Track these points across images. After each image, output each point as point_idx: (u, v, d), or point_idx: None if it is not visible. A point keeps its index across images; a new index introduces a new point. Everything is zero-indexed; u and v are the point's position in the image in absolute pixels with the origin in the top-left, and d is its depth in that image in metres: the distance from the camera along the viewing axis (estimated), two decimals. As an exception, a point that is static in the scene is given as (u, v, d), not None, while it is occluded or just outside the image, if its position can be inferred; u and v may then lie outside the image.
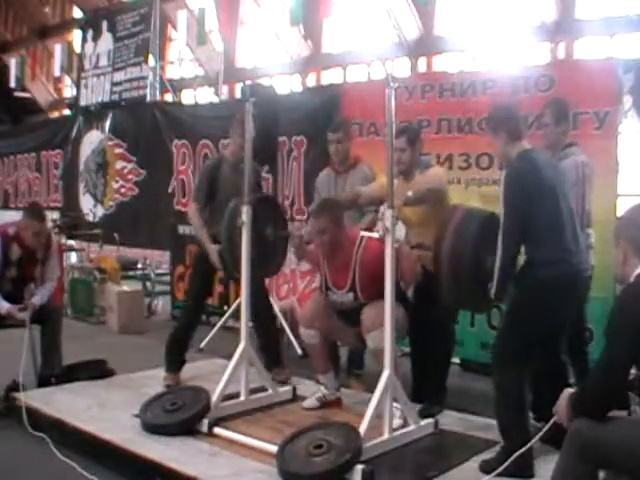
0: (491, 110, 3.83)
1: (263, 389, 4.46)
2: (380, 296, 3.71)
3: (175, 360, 4.94)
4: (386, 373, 3.63)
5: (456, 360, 5.58)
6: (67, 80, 20.40)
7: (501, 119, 3.65)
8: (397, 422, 3.82)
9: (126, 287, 7.93)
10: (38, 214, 4.98)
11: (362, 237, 4.06)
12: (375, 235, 3.92)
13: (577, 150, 4.16)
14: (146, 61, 9.19)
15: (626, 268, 2.65)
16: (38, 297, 4.86)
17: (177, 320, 5.50)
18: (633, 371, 2.91)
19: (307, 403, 4.34)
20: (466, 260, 3.47)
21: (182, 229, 7.65)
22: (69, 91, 21.53)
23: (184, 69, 19.76)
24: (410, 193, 4.03)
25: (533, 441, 3.08)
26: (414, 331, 4.50)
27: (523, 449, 3.10)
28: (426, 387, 4.39)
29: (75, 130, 10.04)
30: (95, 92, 9.89)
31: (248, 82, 8.27)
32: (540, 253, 3.41)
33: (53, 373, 4.82)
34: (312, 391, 4.46)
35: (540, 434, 2.96)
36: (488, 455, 3.50)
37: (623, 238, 2.68)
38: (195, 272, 5.30)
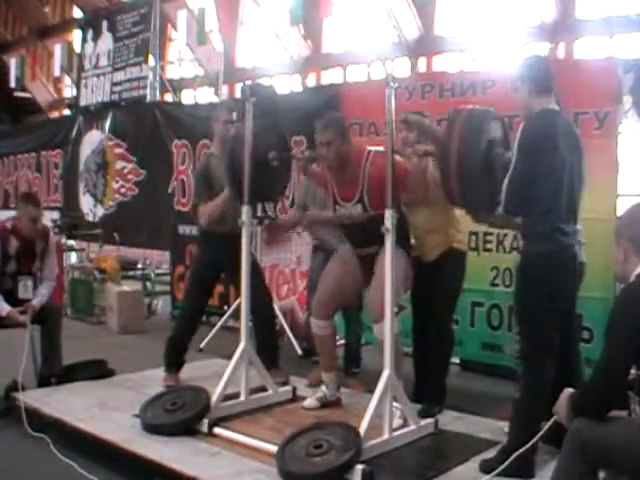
0: (525, 57, 3.66)
1: (263, 389, 4.45)
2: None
3: (174, 361, 4.93)
4: (386, 373, 3.62)
5: (456, 360, 5.58)
6: (67, 80, 20.39)
7: (530, 67, 3.51)
8: (397, 422, 3.81)
9: (126, 287, 7.94)
10: (33, 199, 5.07)
11: (369, 151, 4.03)
12: (382, 149, 3.90)
13: None
14: (146, 61, 9.19)
15: (627, 267, 2.65)
16: (38, 299, 4.87)
17: (177, 321, 5.46)
18: (633, 371, 2.91)
19: (307, 403, 4.34)
20: (474, 162, 3.38)
21: (182, 229, 7.66)
22: (69, 91, 21.53)
23: (184, 69, 19.78)
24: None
25: (533, 441, 3.08)
26: (415, 331, 4.51)
27: (522, 449, 3.09)
28: (426, 387, 4.39)
29: (75, 130, 10.04)
30: (95, 92, 9.89)
31: (248, 82, 8.26)
32: (532, 226, 3.39)
33: (53, 373, 4.81)
34: (312, 391, 4.46)
35: (540, 433, 2.96)
36: (488, 455, 3.50)
37: (624, 237, 2.68)
38: (196, 273, 5.23)
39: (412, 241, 4.33)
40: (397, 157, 3.85)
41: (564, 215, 3.38)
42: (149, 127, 8.68)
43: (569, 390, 2.70)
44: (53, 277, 5.10)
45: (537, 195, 3.34)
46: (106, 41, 9.77)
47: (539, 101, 3.43)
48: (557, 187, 3.35)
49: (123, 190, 9.11)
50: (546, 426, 2.85)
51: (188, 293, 5.27)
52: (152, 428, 3.94)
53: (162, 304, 8.48)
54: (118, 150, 9.20)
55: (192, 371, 5.05)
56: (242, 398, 4.29)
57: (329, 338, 4.32)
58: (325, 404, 4.32)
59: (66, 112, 17.84)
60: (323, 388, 4.37)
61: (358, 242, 4.16)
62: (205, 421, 3.92)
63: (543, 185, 3.33)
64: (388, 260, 3.66)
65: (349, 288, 4.26)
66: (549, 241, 3.35)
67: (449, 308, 4.43)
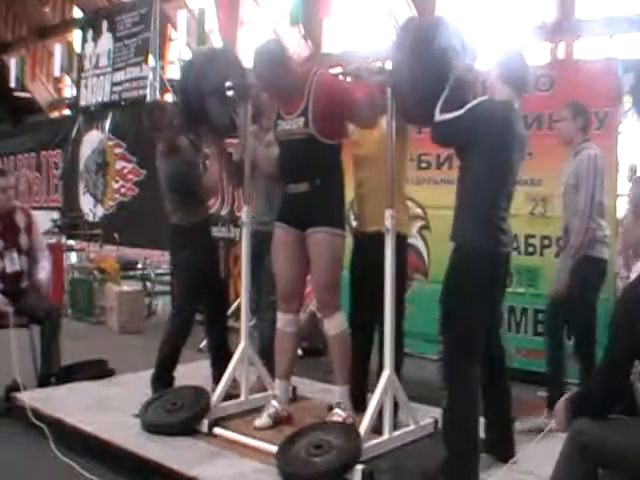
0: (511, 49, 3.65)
1: (263, 389, 4.45)
2: (332, 134, 3.84)
3: (164, 383, 4.53)
4: (386, 373, 3.62)
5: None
6: (67, 80, 20.35)
7: (511, 59, 3.47)
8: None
9: (126, 287, 7.95)
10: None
11: (316, 69, 3.98)
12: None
13: (591, 145, 4.18)
14: (146, 61, 9.19)
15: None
16: (43, 273, 4.91)
17: (171, 335, 4.84)
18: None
19: (258, 423, 3.94)
20: (428, 74, 3.31)
21: (182, 229, 7.64)
22: (69, 91, 21.48)
23: (184, 69, 19.73)
24: None
25: (533, 439, 3.08)
26: (353, 315, 4.22)
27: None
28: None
29: (75, 130, 10.04)
30: (95, 92, 9.89)
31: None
32: (470, 218, 3.31)
33: (53, 373, 4.82)
34: (265, 407, 4.08)
35: (539, 434, 2.97)
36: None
37: None
38: (192, 273, 4.80)
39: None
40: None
41: (503, 213, 3.34)
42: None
43: (568, 394, 2.70)
44: (44, 247, 5.18)
45: (482, 188, 3.28)
46: (106, 41, 9.77)
47: (506, 91, 3.37)
48: (503, 183, 3.33)
49: (123, 190, 9.11)
50: (545, 427, 2.85)
51: (186, 295, 4.93)
52: (152, 428, 3.94)
53: (162, 304, 8.48)
54: (118, 150, 9.20)
55: (192, 371, 5.05)
56: (242, 398, 4.29)
57: (290, 338, 4.00)
58: (278, 421, 3.96)
59: (66, 112, 17.81)
60: (274, 402, 4.01)
61: (290, 175, 3.92)
62: (205, 421, 3.92)
63: (489, 180, 3.27)
64: (388, 265, 3.62)
65: (298, 272, 3.97)
66: (487, 237, 3.28)
67: (403, 291, 4.04)
